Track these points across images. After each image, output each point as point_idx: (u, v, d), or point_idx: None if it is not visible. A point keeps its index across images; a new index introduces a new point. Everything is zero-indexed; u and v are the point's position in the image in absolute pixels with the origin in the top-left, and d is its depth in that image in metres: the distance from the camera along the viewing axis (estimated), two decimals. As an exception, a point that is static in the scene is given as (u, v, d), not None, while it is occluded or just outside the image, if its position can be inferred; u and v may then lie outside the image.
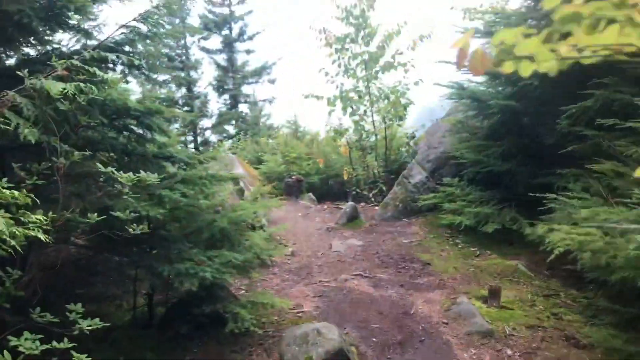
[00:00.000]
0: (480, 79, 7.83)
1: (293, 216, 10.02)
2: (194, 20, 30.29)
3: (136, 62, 4.14)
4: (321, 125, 13.32)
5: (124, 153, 4.89)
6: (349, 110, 10.51)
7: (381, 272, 6.80)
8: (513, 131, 7.72)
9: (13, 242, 2.32)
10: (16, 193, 2.19)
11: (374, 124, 10.81)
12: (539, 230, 6.38)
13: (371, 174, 11.01)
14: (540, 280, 6.49)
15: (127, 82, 4.76)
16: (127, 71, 4.77)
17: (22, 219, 2.32)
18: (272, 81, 31.77)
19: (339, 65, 10.20)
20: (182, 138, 31.41)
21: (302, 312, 5.69)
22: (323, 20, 11.19)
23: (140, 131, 5.15)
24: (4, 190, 2.10)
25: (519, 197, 7.55)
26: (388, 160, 10.66)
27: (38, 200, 2.85)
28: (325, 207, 10.71)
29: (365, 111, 10.61)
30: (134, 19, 4.16)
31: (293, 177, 11.32)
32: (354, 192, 11.04)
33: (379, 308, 5.72)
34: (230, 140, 31.85)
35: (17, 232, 2.14)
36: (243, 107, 32.18)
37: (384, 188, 10.55)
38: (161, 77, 29.65)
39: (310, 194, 11.31)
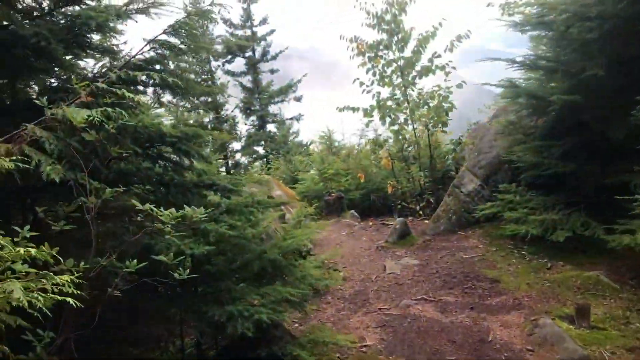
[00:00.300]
0: (535, 74, 7.18)
1: (337, 236, 9.45)
2: (217, 44, 30.29)
3: (170, 81, 3.68)
4: (357, 137, 12.72)
5: (161, 184, 4.43)
6: (388, 119, 9.95)
7: (446, 294, 6.15)
8: (574, 128, 7.03)
9: (37, 309, 1.83)
10: (33, 251, 1.70)
11: (415, 133, 10.21)
12: (624, 239, 5.68)
13: (416, 185, 10.38)
14: (629, 293, 5.74)
15: (160, 104, 4.31)
16: (160, 92, 4.35)
17: (44, 280, 1.83)
18: (298, 99, 31.54)
19: (374, 74, 9.67)
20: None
21: (365, 346, 5.09)
22: (353, 28, 10.64)
23: (177, 159, 4.71)
24: (19, 249, 1.62)
25: (588, 199, 6.83)
26: (434, 170, 10.02)
27: (68, 246, 2.38)
28: (370, 224, 10.11)
29: (405, 119, 10.01)
30: (164, 31, 3.71)
31: (333, 194, 10.78)
32: (399, 206, 10.42)
33: (451, 337, 5.08)
34: (259, 161, 31.67)
35: (38, 300, 1.65)
36: (271, 127, 31.98)
37: (432, 200, 9.91)
38: (189, 103, 29.77)
39: (353, 211, 10.73)
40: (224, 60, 30.81)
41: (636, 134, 6.06)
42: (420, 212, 9.87)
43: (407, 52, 9.93)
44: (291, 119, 32.02)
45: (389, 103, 9.74)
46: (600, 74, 6.18)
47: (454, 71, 9.40)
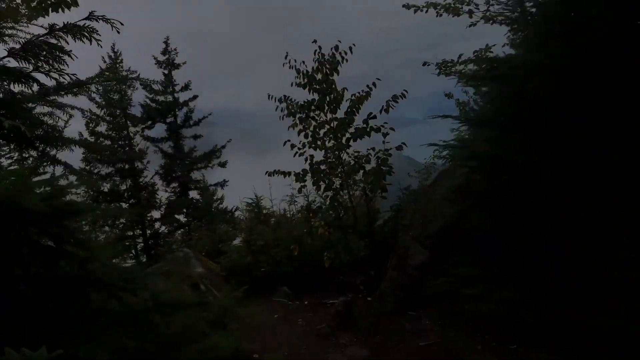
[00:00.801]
0: (486, 133, 6.55)
1: (268, 320, 8.14)
2: (135, 110, 28.81)
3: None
4: (287, 204, 11.63)
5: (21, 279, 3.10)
6: (322, 185, 8.99)
7: (409, 398, 5.02)
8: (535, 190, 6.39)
9: None
10: None
11: (351, 199, 9.31)
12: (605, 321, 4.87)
13: (355, 256, 9.37)
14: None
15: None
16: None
17: None
18: (222, 164, 30.32)
19: (306, 136, 8.79)
20: (130, 233, 29.02)
21: None
22: (283, 88, 9.79)
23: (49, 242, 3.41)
24: None
25: (565, 269, 6.08)
26: (373, 240, 9.08)
27: None
28: (306, 302, 8.89)
29: (341, 184, 9.10)
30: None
31: (262, 269, 9.55)
32: (337, 281, 9.31)
33: None
34: (180, 231, 29.65)
35: None
36: (193, 194, 30.31)
37: (373, 273, 8.90)
38: (104, 170, 27.63)
39: (285, 288, 9.49)
40: (143, 125, 29.28)
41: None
42: (362, 287, 8.79)
43: (341, 114, 9.18)
44: (215, 185, 30.58)
45: (323, 167, 8.82)
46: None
47: (398, 130, 8.72)
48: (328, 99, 8.77)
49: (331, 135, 8.99)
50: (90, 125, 25.94)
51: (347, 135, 9.09)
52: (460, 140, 6.56)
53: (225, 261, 9.84)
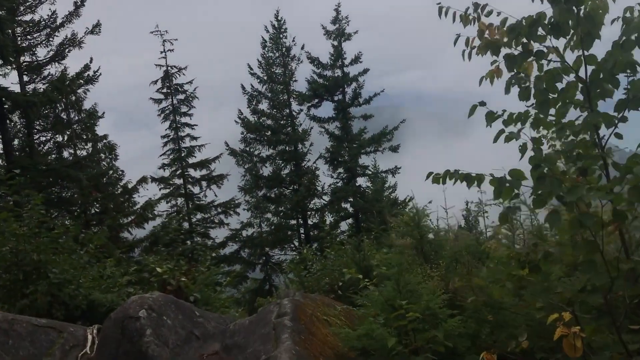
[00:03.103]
0: None
1: None
2: (300, 86, 26.15)
3: None
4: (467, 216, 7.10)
5: None
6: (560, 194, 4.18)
7: None
8: None
9: None
10: None
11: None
12: None
13: None
14: None
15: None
16: None
17: None
18: (394, 148, 26.17)
19: (524, 97, 4.05)
20: (292, 222, 26.52)
21: None
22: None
23: None
24: None
25: None
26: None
27: None
28: None
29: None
30: None
31: None
32: None
33: None
34: (346, 222, 26.36)
35: None
36: (361, 181, 26.84)
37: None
38: (264, 153, 25.65)
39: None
40: (309, 104, 26.54)
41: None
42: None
43: (599, 49, 4.19)
44: (386, 172, 26.67)
45: (560, 164, 4.03)
46: None
47: None
48: (576, 11, 3.93)
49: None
50: (252, 102, 23.98)
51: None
52: None
53: (345, 334, 5.42)
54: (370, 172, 26.29)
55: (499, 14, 3.84)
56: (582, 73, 3.92)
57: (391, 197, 26.47)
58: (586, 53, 3.92)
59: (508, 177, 3.48)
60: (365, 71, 26.21)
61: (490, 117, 3.55)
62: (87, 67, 19.72)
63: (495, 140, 3.51)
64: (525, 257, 3.47)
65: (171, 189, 23.72)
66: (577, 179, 3.10)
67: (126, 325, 5.32)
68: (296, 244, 25.85)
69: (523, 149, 3.51)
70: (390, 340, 4.36)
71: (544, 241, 3.80)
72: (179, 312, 5.87)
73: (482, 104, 3.53)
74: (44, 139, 20.49)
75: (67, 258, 7.35)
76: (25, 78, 18.72)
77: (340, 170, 26.27)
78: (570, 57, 3.96)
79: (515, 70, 3.95)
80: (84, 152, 20.09)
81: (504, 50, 4.12)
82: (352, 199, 25.87)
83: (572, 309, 3.47)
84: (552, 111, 3.98)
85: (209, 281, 8.16)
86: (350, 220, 26.34)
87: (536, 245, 3.46)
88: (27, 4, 18.81)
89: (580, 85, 4.03)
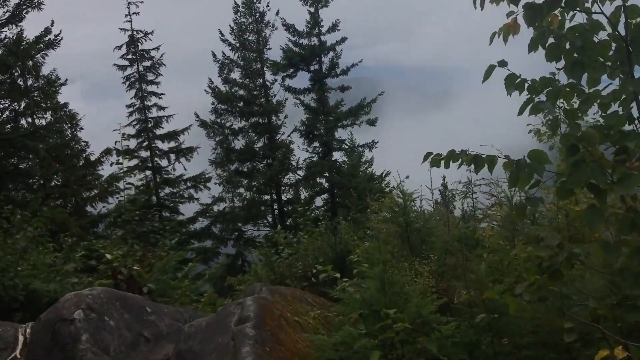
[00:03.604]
0: None
1: None
2: (275, 54, 24.96)
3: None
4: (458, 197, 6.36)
5: None
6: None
7: None
8: None
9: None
10: None
11: None
12: None
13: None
14: None
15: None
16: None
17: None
18: (372, 122, 25.32)
19: (552, 56, 3.23)
20: (265, 197, 25.61)
21: None
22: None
23: None
24: None
25: None
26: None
27: None
28: None
29: None
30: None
31: None
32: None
33: None
34: (321, 197, 25.62)
35: None
36: (337, 155, 25.98)
37: None
38: (237, 125, 24.52)
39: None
40: (284, 74, 25.37)
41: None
42: None
43: None
44: (363, 146, 25.86)
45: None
46: None
47: None
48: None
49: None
50: (223, 71, 22.74)
51: None
52: None
53: (320, 341, 4.49)
54: (346, 147, 25.46)
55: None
56: (621, 29, 3.14)
57: (368, 171, 25.83)
58: (627, 3, 3.12)
59: (527, 161, 2.69)
60: (343, 40, 25.09)
61: (512, 81, 2.72)
62: (47, 31, 18.22)
63: (521, 112, 2.70)
64: (548, 261, 2.71)
65: (138, 162, 22.54)
66: (632, 165, 2.31)
67: (58, 330, 4.46)
68: (270, 219, 25.06)
69: (554, 125, 2.70)
70: (374, 355, 3.60)
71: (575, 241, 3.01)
72: (125, 310, 5.02)
73: (503, 63, 2.70)
74: (1, 106, 19.03)
75: (2, 243, 6.41)
76: (-22, 41, 17.19)
77: (316, 144, 25.33)
78: (608, 9, 3.15)
79: (536, 24, 3.13)
80: (43, 122, 18.72)
81: (524, -1, 3.26)
82: (327, 174, 25.02)
83: (601, 327, 2.73)
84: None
85: (167, 267, 7.31)
86: (325, 196, 25.59)
87: (562, 246, 2.69)
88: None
89: (614, 45, 3.24)
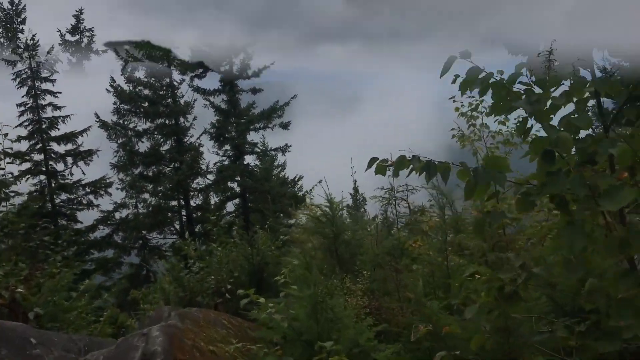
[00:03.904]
0: None
1: None
2: (183, 53, 23.88)
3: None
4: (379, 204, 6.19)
5: None
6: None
7: None
8: None
9: None
10: None
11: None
12: None
13: None
14: None
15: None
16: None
17: None
18: (285, 125, 24.94)
19: None
20: (172, 202, 24.40)
21: None
22: None
23: None
24: None
25: None
26: None
27: None
28: None
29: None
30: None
31: None
32: None
33: None
34: (232, 202, 24.84)
35: None
36: (249, 159, 25.32)
37: None
38: (141, 127, 23.11)
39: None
40: (193, 74, 24.34)
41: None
42: None
43: None
44: (276, 149, 25.39)
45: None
46: None
47: None
48: None
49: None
50: (127, 69, 21.35)
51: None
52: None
53: None
54: (259, 150, 24.88)
55: None
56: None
57: (281, 175, 25.43)
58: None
59: (484, 169, 2.39)
60: (254, 41, 24.55)
61: (473, 76, 2.38)
62: None
63: (491, 113, 2.37)
64: (511, 284, 2.42)
65: (30, 165, 20.53)
66: (621, 176, 2.05)
67: None
68: (177, 226, 23.88)
69: (522, 127, 2.40)
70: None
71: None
72: (3, 344, 4.21)
73: (466, 55, 2.36)
74: None
75: None
76: None
77: (227, 147, 24.51)
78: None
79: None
80: None
81: None
82: (239, 178, 24.31)
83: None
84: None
85: (59, 287, 6.42)
86: (237, 201, 24.83)
87: (524, 267, 2.41)
88: None
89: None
